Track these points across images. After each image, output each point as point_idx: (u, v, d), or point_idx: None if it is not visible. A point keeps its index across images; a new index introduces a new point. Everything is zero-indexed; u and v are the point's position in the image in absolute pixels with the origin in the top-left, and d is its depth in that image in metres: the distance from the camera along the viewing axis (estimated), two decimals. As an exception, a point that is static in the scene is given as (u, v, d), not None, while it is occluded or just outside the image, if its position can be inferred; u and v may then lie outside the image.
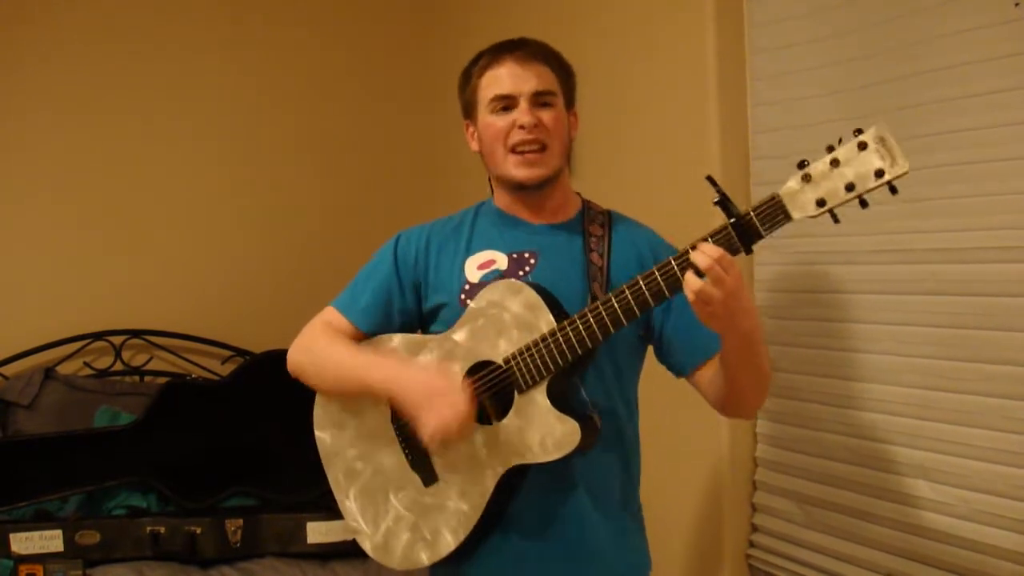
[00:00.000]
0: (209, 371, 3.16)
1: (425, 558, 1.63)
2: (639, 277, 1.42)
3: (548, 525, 1.61)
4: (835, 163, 1.27)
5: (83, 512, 2.66)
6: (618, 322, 1.45)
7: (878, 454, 1.96)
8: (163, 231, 3.17)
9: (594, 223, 1.69)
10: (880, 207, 1.32)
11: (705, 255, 1.33)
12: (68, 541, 2.50)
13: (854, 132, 1.27)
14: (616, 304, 1.44)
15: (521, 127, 1.60)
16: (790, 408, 2.15)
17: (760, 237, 1.34)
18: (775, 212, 1.32)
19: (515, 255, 1.65)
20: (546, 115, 1.62)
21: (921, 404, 1.88)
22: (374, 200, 3.43)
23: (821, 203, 1.28)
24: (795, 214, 1.31)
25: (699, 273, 1.34)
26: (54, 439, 2.70)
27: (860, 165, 1.26)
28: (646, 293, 1.41)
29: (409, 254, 1.71)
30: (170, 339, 3.15)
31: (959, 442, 1.81)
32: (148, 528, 2.57)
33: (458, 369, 1.59)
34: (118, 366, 3.07)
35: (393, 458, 1.65)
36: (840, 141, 1.30)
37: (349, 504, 1.71)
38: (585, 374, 1.58)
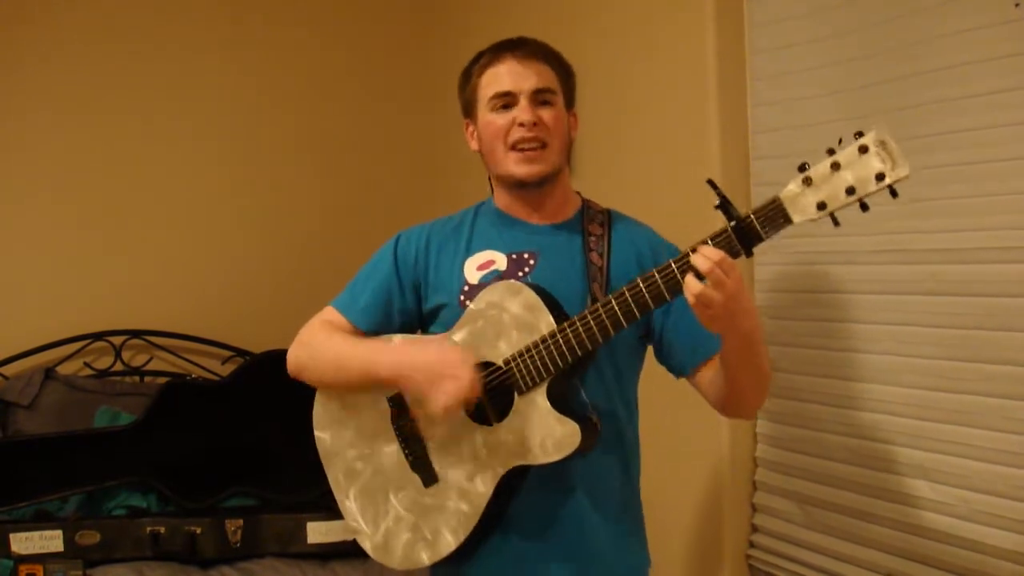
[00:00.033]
0: (209, 371, 3.16)
1: (426, 558, 1.63)
2: (639, 279, 1.42)
3: (548, 526, 1.61)
4: (836, 166, 1.27)
5: (83, 512, 2.66)
6: (618, 324, 1.45)
7: (878, 454, 1.96)
8: (163, 231, 3.17)
9: (593, 222, 1.68)
10: (880, 207, 1.32)
11: (705, 258, 1.33)
12: (68, 541, 2.50)
13: (855, 135, 1.27)
14: (616, 306, 1.44)
15: (521, 124, 1.60)
16: (790, 408, 2.15)
17: (761, 240, 1.34)
18: (775, 215, 1.31)
19: (514, 255, 1.65)
20: (546, 113, 1.62)
21: (921, 404, 1.88)
22: (374, 200, 3.43)
23: (822, 206, 1.28)
24: (795, 217, 1.30)
25: (699, 276, 1.34)
26: (54, 439, 2.70)
27: (861, 168, 1.26)
28: (646, 295, 1.41)
29: (409, 254, 1.71)
30: (170, 339, 3.15)
31: (959, 442, 1.81)
32: (148, 528, 2.56)
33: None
34: (118, 366, 3.07)
35: (393, 458, 1.65)
36: (840, 141, 1.30)
37: (349, 504, 1.70)
38: (585, 375, 1.58)
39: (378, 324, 1.70)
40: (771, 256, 2.17)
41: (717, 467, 2.28)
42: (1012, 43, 1.68)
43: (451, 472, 1.60)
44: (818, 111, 2.05)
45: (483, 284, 1.62)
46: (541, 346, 1.49)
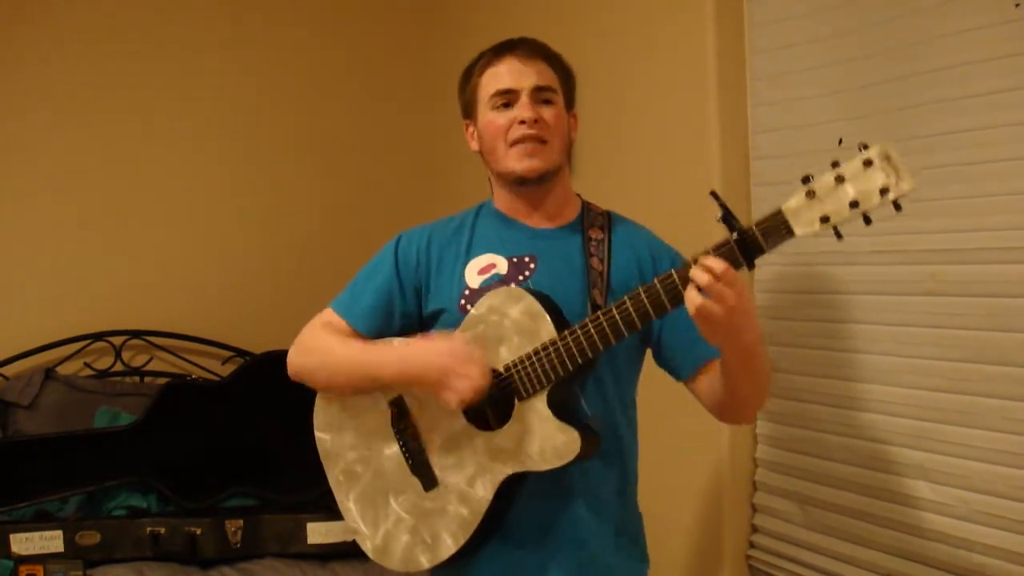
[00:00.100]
0: (209, 371, 3.16)
1: (425, 561, 1.63)
2: (640, 289, 1.42)
3: (547, 531, 1.61)
4: (840, 179, 1.26)
5: (83, 512, 2.66)
6: (619, 333, 1.44)
7: (878, 455, 1.96)
8: (163, 231, 3.17)
9: (594, 226, 1.68)
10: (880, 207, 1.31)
11: (706, 272, 1.32)
12: (68, 541, 2.50)
13: (859, 147, 1.25)
14: (617, 315, 1.43)
15: (522, 122, 1.60)
16: (790, 409, 2.15)
17: (763, 252, 1.33)
18: (778, 227, 1.30)
19: (515, 259, 1.65)
20: (547, 111, 1.62)
21: (921, 405, 1.87)
22: (374, 200, 3.43)
23: (825, 219, 1.27)
24: (798, 230, 1.29)
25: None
26: (54, 439, 2.70)
27: (865, 182, 1.24)
28: (647, 305, 1.41)
29: (410, 256, 1.71)
30: (170, 339, 3.15)
31: (959, 443, 1.81)
32: (148, 528, 2.56)
33: None
34: (118, 366, 3.07)
35: (393, 461, 1.65)
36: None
37: (349, 505, 1.70)
38: (586, 384, 1.58)
39: (378, 327, 1.70)
40: (771, 256, 2.11)
41: (717, 467, 2.28)
42: (1012, 43, 1.68)
43: (451, 476, 1.59)
44: (818, 111, 2.05)
45: (484, 289, 1.61)
46: (542, 353, 1.49)
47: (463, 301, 1.63)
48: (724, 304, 1.32)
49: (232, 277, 3.25)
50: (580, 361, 1.47)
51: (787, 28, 2.13)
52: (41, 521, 2.56)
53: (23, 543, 2.48)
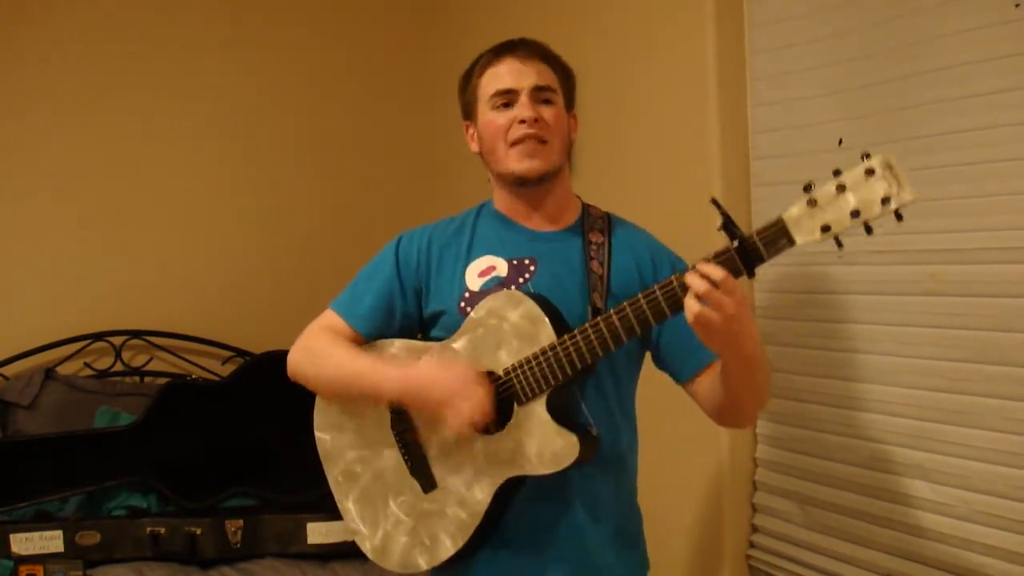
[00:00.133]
0: (209, 371, 3.16)
1: (423, 563, 1.63)
2: (640, 295, 1.41)
3: (546, 535, 1.61)
4: (841, 188, 1.25)
5: (83, 512, 2.66)
6: (618, 339, 1.44)
7: (878, 455, 1.96)
8: (163, 231, 3.17)
9: (594, 229, 1.68)
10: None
11: (703, 280, 1.31)
12: (68, 541, 2.50)
13: (862, 156, 1.25)
14: (617, 321, 1.43)
15: (522, 121, 1.60)
16: (790, 409, 2.15)
17: (763, 261, 1.32)
18: (779, 236, 1.30)
19: (515, 261, 1.65)
20: (546, 111, 1.62)
21: (921, 405, 1.87)
22: (374, 200, 3.43)
23: (826, 229, 1.26)
24: (799, 239, 1.29)
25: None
26: (54, 439, 2.70)
27: (866, 191, 1.24)
28: (647, 312, 1.41)
29: (411, 256, 1.70)
30: (170, 340, 3.15)
31: (959, 443, 1.81)
32: (148, 528, 2.56)
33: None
34: (118, 366, 3.07)
35: (392, 463, 1.65)
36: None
37: (348, 506, 1.71)
38: (585, 386, 1.58)
39: (379, 328, 1.70)
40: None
41: (717, 467, 2.28)
42: (1012, 43, 1.68)
43: (450, 479, 1.59)
44: (818, 111, 2.05)
45: (484, 291, 1.61)
46: (541, 358, 1.49)
47: (463, 303, 1.63)
48: (722, 312, 1.31)
49: (232, 277, 3.25)
50: (579, 366, 1.47)
51: (787, 28, 2.13)
52: (41, 521, 2.56)
53: (23, 543, 2.48)
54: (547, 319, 1.51)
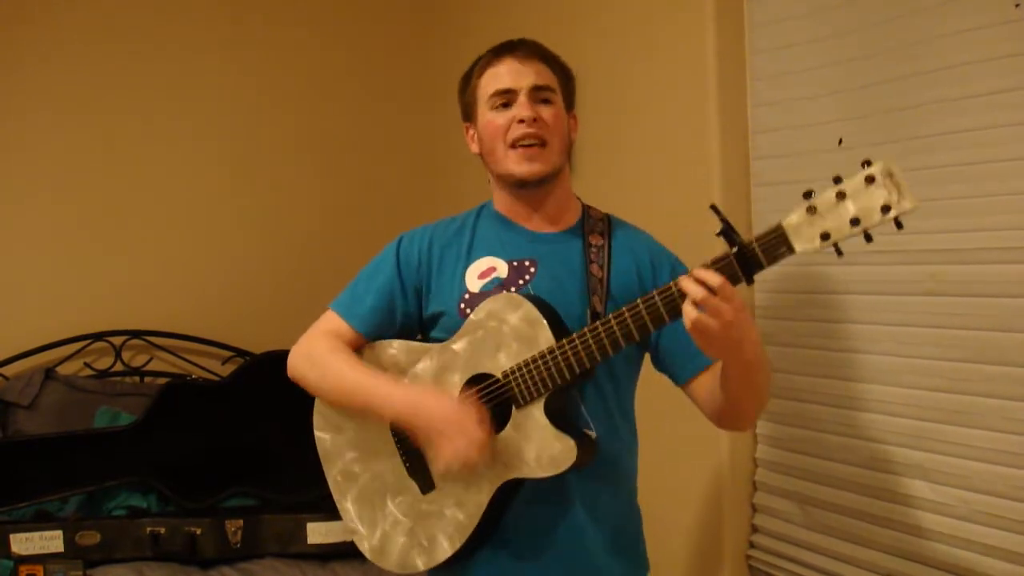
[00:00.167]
0: (209, 371, 3.16)
1: (421, 564, 1.62)
2: (639, 300, 1.41)
3: (545, 537, 1.60)
4: (841, 196, 1.25)
5: (83, 512, 2.66)
6: (617, 345, 1.44)
7: (878, 455, 1.96)
8: (163, 231, 3.17)
9: (594, 231, 1.68)
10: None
11: (700, 286, 1.31)
12: (68, 541, 2.50)
13: (862, 164, 1.25)
14: (615, 326, 1.43)
15: (520, 121, 1.60)
16: (790, 409, 2.15)
17: (762, 268, 1.32)
18: (778, 243, 1.29)
19: (515, 263, 1.64)
20: (545, 111, 1.62)
21: (921, 405, 1.87)
22: (374, 200, 3.43)
23: (825, 236, 1.26)
24: (798, 246, 1.28)
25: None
26: (54, 439, 2.70)
27: (866, 199, 1.23)
28: (645, 318, 1.41)
29: (412, 256, 1.70)
30: (170, 339, 3.15)
31: (959, 443, 1.81)
32: (148, 528, 2.56)
33: (457, 380, 1.58)
34: (118, 366, 3.07)
35: (391, 464, 1.65)
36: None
37: (347, 506, 1.71)
38: (584, 388, 1.58)
39: (380, 329, 1.69)
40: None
41: (717, 467, 2.28)
42: (1012, 43, 1.68)
43: (448, 480, 1.59)
44: (818, 111, 2.05)
45: (484, 293, 1.61)
46: (540, 361, 1.49)
47: (463, 305, 1.63)
48: (720, 319, 1.31)
49: (232, 277, 3.25)
50: (577, 371, 1.47)
51: (787, 28, 2.13)
52: (41, 521, 2.56)
53: (23, 543, 2.48)
54: (546, 322, 1.51)
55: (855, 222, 1.25)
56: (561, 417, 1.52)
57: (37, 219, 3.01)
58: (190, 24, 3.19)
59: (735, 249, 1.32)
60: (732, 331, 1.32)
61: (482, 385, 1.56)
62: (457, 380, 1.59)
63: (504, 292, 1.59)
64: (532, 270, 1.63)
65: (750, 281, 1.33)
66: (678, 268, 1.64)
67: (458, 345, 1.59)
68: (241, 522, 2.63)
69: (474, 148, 1.71)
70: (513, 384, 1.52)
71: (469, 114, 1.71)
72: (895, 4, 1.89)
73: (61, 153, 3.03)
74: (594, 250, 1.65)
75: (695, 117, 2.28)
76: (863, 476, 1.99)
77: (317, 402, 1.74)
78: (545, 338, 1.50)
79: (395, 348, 1.68)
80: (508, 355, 1.53)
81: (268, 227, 3.31)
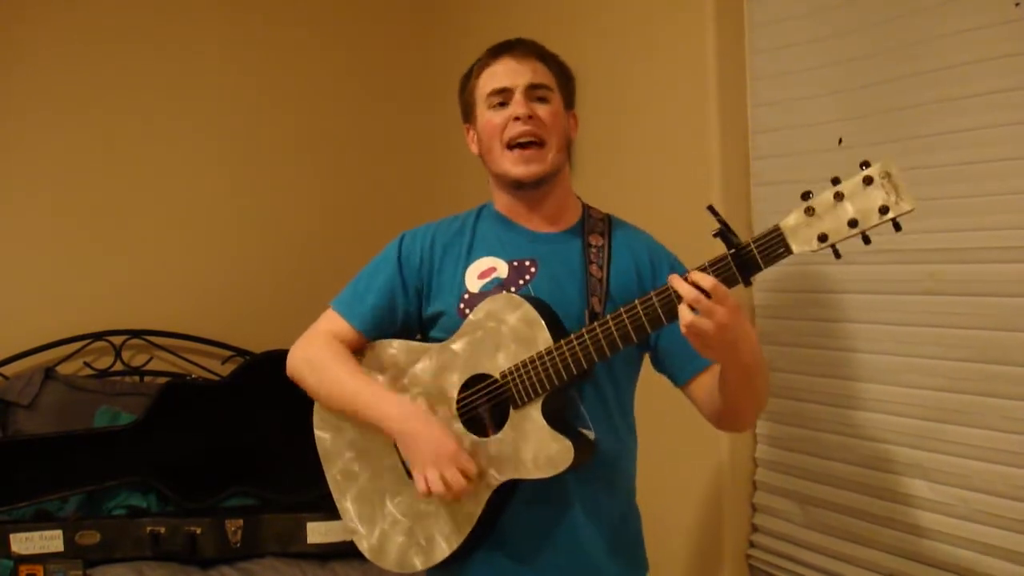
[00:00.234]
0: (209, 371, 3.16)
1: (419, 563, 1.63)
2: (637, 302, 1.41)
3: (543, 538, 1.60)
4: (839, 197, 1.25)
5: (83, 512, 2.66)
6: (614, 346, 1.44)
7: (878, 454, 1.96)
8: (163, 231, 3.17)
9: (594, 232, 1.68)
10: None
11: (691, 287, 1.31)
12: (68, 541, 2.50)
13: (861, 165, 1.24)
14: (613, 328, 1.43)
15: (516, 119, 1.60)
16: (789, 408, 2.15)
17: (760, 269, 1.32)
18: (776, 245, 1.29)
19: (515, 263, 1.64)
20: (542, 109, 1.62)
21: (921, 404, 1.88)
22: (374, 200, 3.43)
23: (823, 238, 1.26)
24: (796, 248, 1.28)
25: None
26: (54, 439, 2.70)
27: (864, 200, 1.24)
28: (643, 319, 1.41)
29: (414, 255, 1.70)
30: (170, 339, 3.15)
31: (959, 442, 1.81)
32: (148, 528, 2.57)
33: (456, 380, 1.59)
34: (118, 366, 3.07)
35: (390, 464, 1.65)
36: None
37: (347, 505, 1.71)
38: (583, 389, 1.58)
39: (380, 328, 1.70)
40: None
41: (717, 467, 2.28)
42: (1012, 43, 1.68)
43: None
44: (818, 111, 2.05)
45: (484, 293, 1.61)
46: (538, 362, 1.49)
47: (462, 305, 1.63)
48: (714, 320, 1.31)
49: (232, 277, 3.25)
50: (575, 371, 1.47)
51: (787, 28, 2.13)
52: (41, 521, 2.56)
53: (23, 543, 2.48)
54: (544, 323, 1.51)
55: (853, 223, 1.25)
56: (559, 418, 1.52)
57: (37, 219, 3.01)
58: (190, 24, 3.19)
59: (732, 250, 1.32)
60: (727, 333, 1.32)
61: (480, 385, 1.56)
62: (456, 380, 1.59)
63: (503, 292, 1.59)
64: (532, 270, 1.63)
65: (748, 283, 1.33)
66: (677, 268, 1.64)
67: (457, 345, 1.59)
68: (241, 522, 2.63)
69: (474, 148, 1.71)
70: (511, 385, 1.52)
71: (468, 114, 1.71)
72: (895, 4, 1.89)
73: (61, 153, 3.03)
74: (594, 250, 1.65)
75: (695, 117, 2.28)
76: (863, 475, 1.99)
77: (317, 403, 1.74)
78: (543, 339, 1.50)
79: (395, 348, 1.68)
80: (507, 356, 1.53)
81: (268, 227, 3.31)
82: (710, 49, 2.23)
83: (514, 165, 1.62)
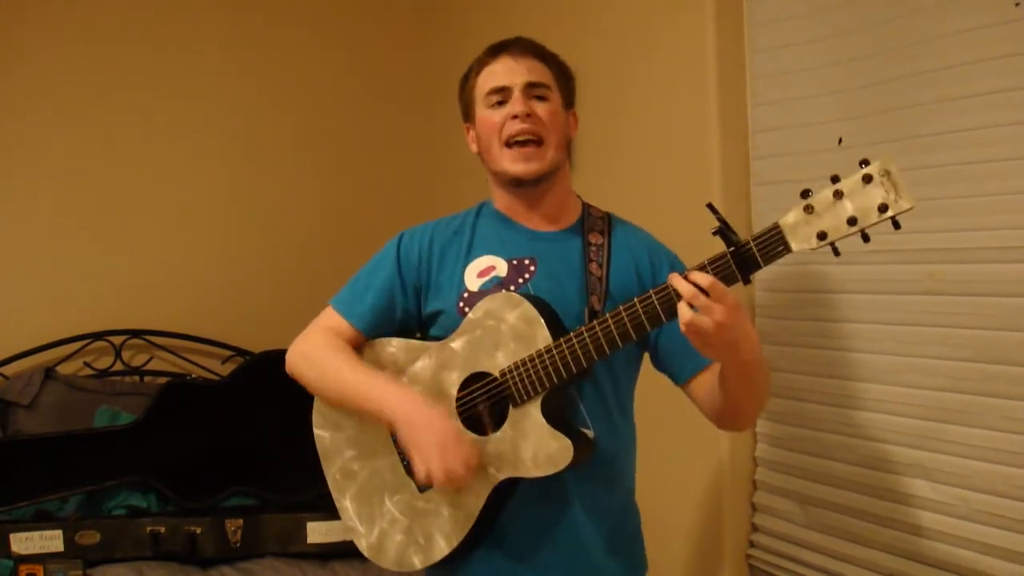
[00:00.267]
0: (209, 371, 3.16)
1: (417, 562, 1.62)
2: (636, 300, 1.41)
3: (542, 536, 1.60)
4: (838, 195, 1.25)
5: (83, 512, 2.66)
6: (613, 344, 1.44)
7: (878, 454, 1.96)
8: (163, 231, 3.17)
9: (594, 230, 1.68)
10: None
11: (690, 286, 1.31)
12: (68, 541, 2.50)
13: (860, 163, 1.24)
14: (612, 326, 1.43)
15: (514, 117, 1.60)
16: (790, 408, 2.15)
17: (759, 268, 1.32)
18: (775, 243, 1.29)
19: (515, 261, 1.64)
20: (540, 107, 1.62)
21: (921, 404, 1.88)
22: (374, 200, 3.43)
23: (822, 236, 1.26)
24: (795, 246, 1.28)
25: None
26: (54, 439, 2.70)
27: (864, 198, 1.24)
28: (642, 317, 1.41)
29: (412, 254, 1.70)
30: (170, 339, 3.15)
31: (959, 442, 1.81)
32: (148, 528, 2.57)
33: (455, 378, 1.59)
34: (118, 366, 3.07)
35: (389, 462, 1.65)
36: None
37: (346, 503, 1.71)
38: (583, 387, 1.58)
39: (379, 327, 1.70)
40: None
41: (717, 466, 2.28)
42: (1012, 43, 1.68)
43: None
44: (818, 111, 2.05)
45: (483, 292, 1.61)
46: (537, 360, 1.49)
47: (461, 303, 1.63)
48: (713, 319, 1.30)
49: (232, 277, 3.25)
50: (574, 370, 1.47)
51: (787, 28, 2.13)
52: (41, 521, 2.56)
53: (23, 543, 2.48)
54: (543, 321, 1.51)
55: (852, 221, 1.25)
56: (558, 416, 1.52)
57: (37, 219, 3.01)
58: (190, 24, 3.19)
59: (731, 248, 1.32)
60: (726, 332, 1.32)
61: (479, 384, 1.56)
62: (455, 378, 1.59)
63: (503, 291, 1.59)
64: (532, 269, 1.63)
65: (747, 281, 1.33)
66: (677, 266, 1.64)
67: (457, 343, 1.59)
68: (241, 521, 2.63)
69: (474, 148, 1.72)
70: (510, 383, 1.52)
71: (468, 114, 1.71)
72: (895, 4, 1.89)
73: (61, 153, 3.03)
74: (593, 249, 1.65)
75: (695, 117, 2.28)
76: (863, 475, 1.99)
77: (316, 400, 1.74)
78: (543, 337, 1.50)
79: (394, 346, 1.68)
80: (506, 354, 1.53)
81: (268, 227, 3.31)
82: (710, 49, 2.24)
83: (512, 163, 1.62)
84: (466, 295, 1.63)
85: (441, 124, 3.05)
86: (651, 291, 1.40)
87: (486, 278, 1.64)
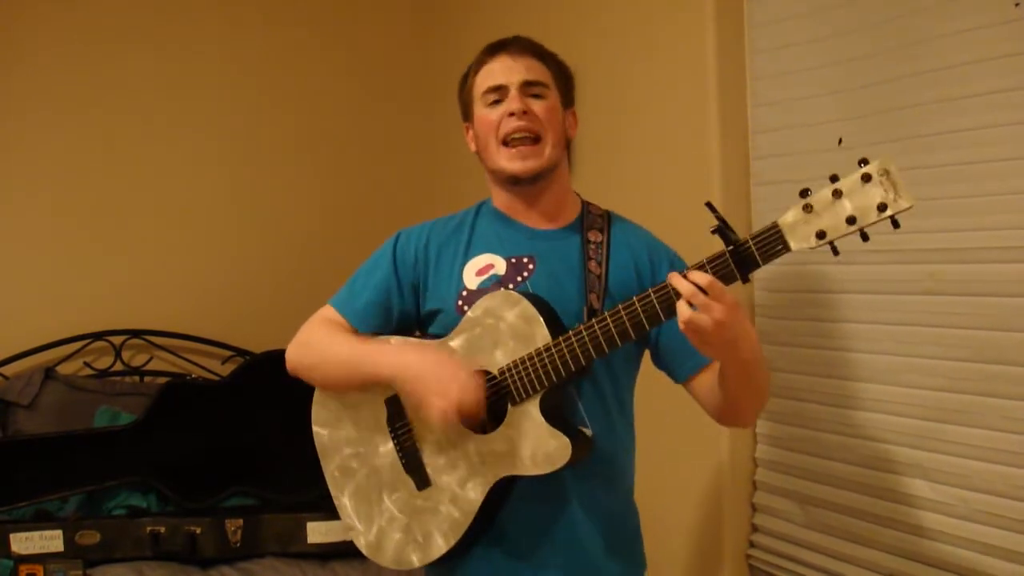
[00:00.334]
0: (209, 371, 3.16)
1: (416, 560, 1.63)
2: (635, 299, 1.41)
3: (541, 535, 1.60)
4: (837, 194, 1.25)
5: (83, 512, 2.66)
6: (612, 342, 1.44)
7: (878, 454, 1.96)
8: (163, 231, 3.17)
9: (593, 228, 1.68)
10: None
11: (689, 284, 1.31)
12: (68, 541, 2.50)
13: (859, 162, 1.24)
14: (611, 324, 1.43)
15: (511, 115, 1.60)
16: (789, 408, 2.15)
17: (758, 266, 1.32)
18: (774, 242, 1.29)
19: (514, 260, 1.64)
20: (537, 105, 1.62)
21: (921, 404, 1.88)
22: (374, 200, 3.44)
23: (821, 235, 1.26)
24: (794, 245, 1.28)
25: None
26: (54, 439, 2.70)
27: (863, 197, 1.23)
28: (641, 316, 1.41)
29: (408, 254, 1.70)
30: (170, 339, 3.15)
31: (959, 442, 1.81)
32: (148, 528, 2.57)
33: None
34: (118, 366, 3.07)
35: (388, 459, 1.65)
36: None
37: (344, 501, 1.71)
38: (582, 386, 1.58)
39: (376, 325, 1.70)
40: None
41: (717, 467, 2.28)
42: (1012, 43, 1.68)
43: (444, 477, 1.59)
44: (818, 111, 2.05)
45: (481, 290, 1.61)
46: (536, 358, 1.49)
47: (460, 302, 1.63)
48: (712, 317, 1.31)
49: (232, 277, 3.25)
50: (573, 368, 1.47)
51: (787, 28, 2.13)
52: (41, 521, 2.56)
53: (23, 543, 2.48)
54: (542, 320, 1.51)
55: (851, 220, 1.25)
56: (557, 414, 1.52)
57: (37, 219, 3.01)
58: (190, 24, 3.20)
59: (730, 247, 1.32)
60: (725, 330, 1.32)
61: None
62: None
63: (501, 289, 1.59)
64: (531, 267, 1.63)
65: (745, 280, 1.33)
66: (676, 264, 1.64)
67: (455, 342, 1.59)
68: (241, 521, 2.63)
69: (472, 147, 1.72)
70: (509, 381, 1.52)
71: (467, 113, 1.71)
72: (895, 4, 1.89)
73: (61, 153, 3.03)
74: (592, 247, 1.65)
75: (695, 117, 2.28)
76: (863, 475, 1.99)
77: (315, 396, 1.74)
78: (541, 335, 1.50)
79: (393, 344, 1.68)
80: (505, 352, 1.53)
81: (268, 227, 3.32)
82: (710, 49, 2.24)
83: (510, 161, 1.62)
84: (465, 293, 1.63)
85: (441, 124, 3.05)
86: (650, 290, 1.40)
87: (485, 276, 1.64)
